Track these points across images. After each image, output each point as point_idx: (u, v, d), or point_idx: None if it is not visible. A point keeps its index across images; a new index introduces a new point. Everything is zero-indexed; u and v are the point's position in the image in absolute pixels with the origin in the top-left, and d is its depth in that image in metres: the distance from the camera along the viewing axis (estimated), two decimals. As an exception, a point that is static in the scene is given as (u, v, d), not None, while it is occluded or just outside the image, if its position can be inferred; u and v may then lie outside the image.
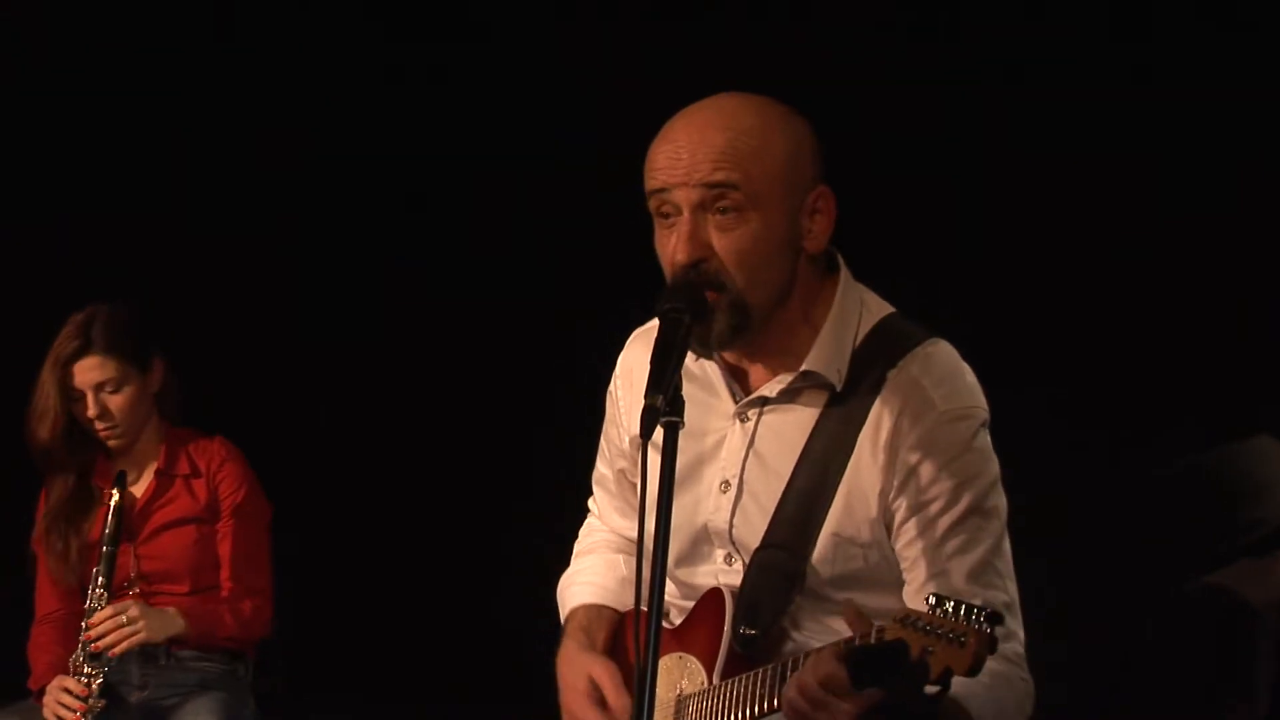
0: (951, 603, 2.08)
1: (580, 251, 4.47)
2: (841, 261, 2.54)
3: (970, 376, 2.49)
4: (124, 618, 3.81)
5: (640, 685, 2.14)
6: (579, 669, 2.62)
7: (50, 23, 4.80)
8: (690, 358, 2.45)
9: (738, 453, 2.53)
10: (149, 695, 3.96)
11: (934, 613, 2.09)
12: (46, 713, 3.82)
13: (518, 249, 4.68)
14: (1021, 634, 2.47)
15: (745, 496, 2.52)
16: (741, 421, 2.53)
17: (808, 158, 2.45)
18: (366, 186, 4.79)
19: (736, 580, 2.53)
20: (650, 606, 2.17)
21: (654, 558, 2.18)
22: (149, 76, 4.76)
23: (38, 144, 4.78)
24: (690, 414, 2.28)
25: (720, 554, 2.57)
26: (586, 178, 4.32)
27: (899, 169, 4.11)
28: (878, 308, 2.53)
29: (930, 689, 2.10)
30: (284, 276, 4.81)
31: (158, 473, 4.03)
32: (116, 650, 3.81)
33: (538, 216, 4.61)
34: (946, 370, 2.47)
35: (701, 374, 2.55)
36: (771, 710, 2.33)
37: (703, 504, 2.56)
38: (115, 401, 3.92)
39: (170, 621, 3.89)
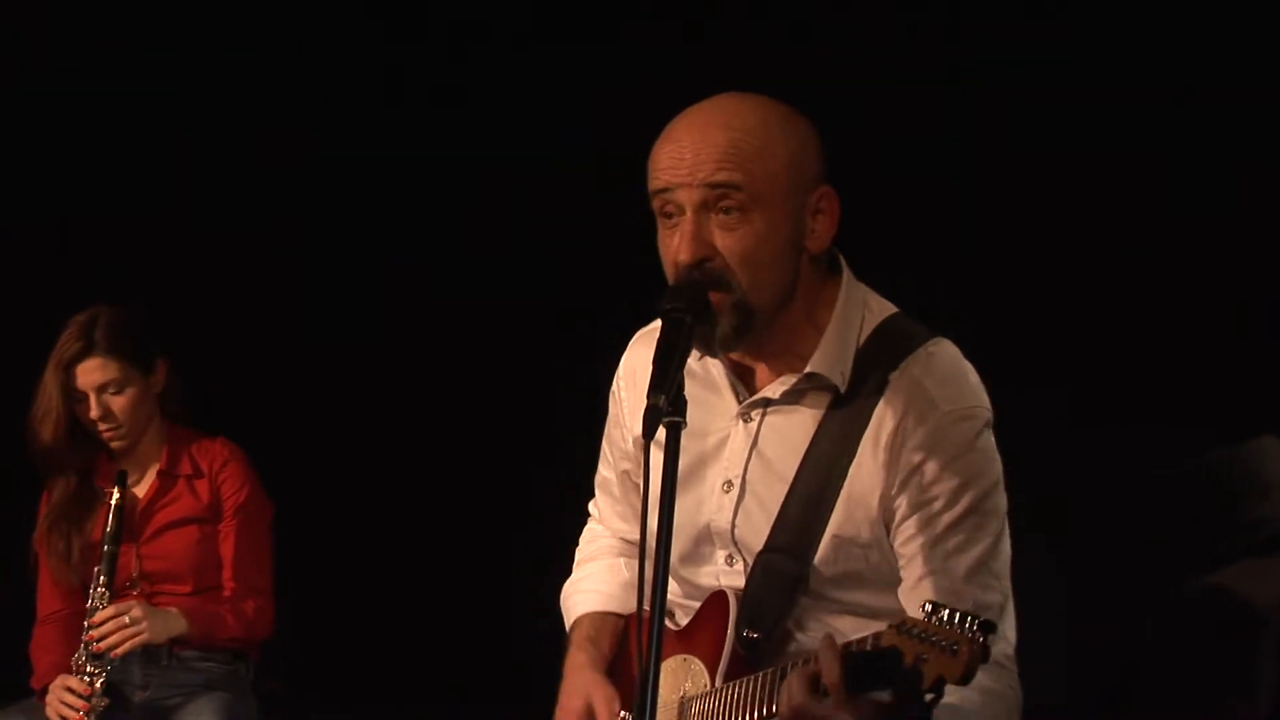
0: (946, 610, 2.09)
1: (580, 251, 4.47)
2: (843, 262, 2.54)
3: (973, 376, 2.50)
4: (126, 618, 3.82)
5: (643, 687, 2.14)
6: (578, 689, 2.62)
7: (50, 23, 4.80)
8: (693, 357, 2.45)
9: (741, 453, 2.53)
10: (151, 695, 3.96)
11: (929, 620, 2.10)
12: (49, 712, 3.82)
13: (518, 249, 4.68)
14: (1013, 636, 2.48)
15: (748, 497, 2.52)
16: (745, 422, 2.53)
17: (811, 157, 2.45)
18: (366, 186, 4.79)
19: (737, 581, 2.54)
20: (653, 607, 2.17)
21: (656, 557, 2.18)
22: (149, 76, 4.76)
23: (38, 144, 4.78)
24: (693, 413, 2.28)
25: (721, 555, 2.57)
26: (586, 178, 4.32)
27: (899, 169, 4.11)
28: (880, 308, 2.53)
29: (926, 697, 2.10)
30: (284, 276, 4.81)
31: (160, 473, 4.04)
32: (118, 651, 3.82)
33: (538, 216, 4.61)
34: (949, 370, 2.47)
35: (704, 373, 2.55)
36: (773, 714, 2.33)
37: (705, 504, 2.56)
38: (118, 403, 3.92)
39: (172, 622, 3.89)
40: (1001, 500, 2.47)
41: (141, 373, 3.95)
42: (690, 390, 2.30)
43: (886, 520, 2.47)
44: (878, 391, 2.44)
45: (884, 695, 2.18)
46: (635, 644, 2.49)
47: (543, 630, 2.98)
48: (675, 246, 2.40)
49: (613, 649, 2.70)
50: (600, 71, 4.48)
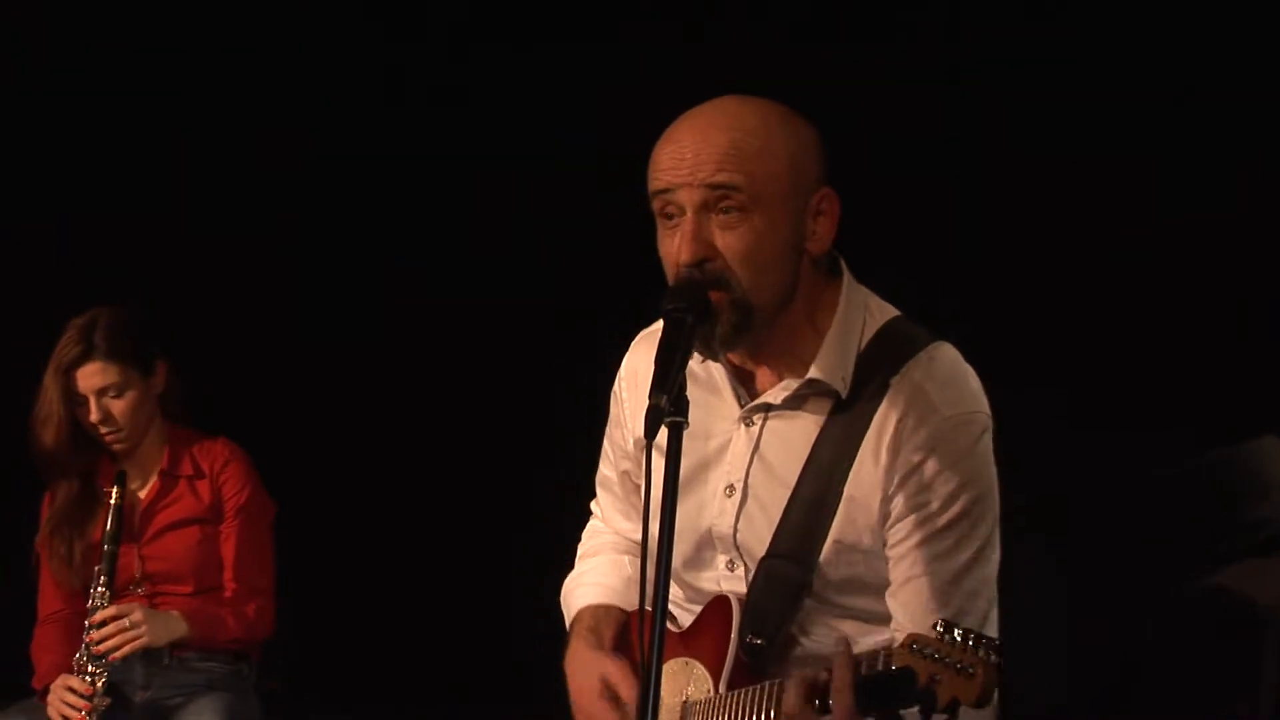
0: (959, 630, 2.08)
1: (580, 251, 4.47)
2: (844, 265, 2.54)
3: (974, 381, 2.50)
4: (127, 621, 3.82)
5: (645, 688, 2.14)
6: (590, 668, 2.62)
7: (50, 23, 4.80)
8: (695, 359, 2.45)
9: (742, 458, 2.53)
10: (153, 695, 3.96)
11: (942, 639, 2.09)
12: (51, 712, 3.82)
13: (518, 249, 4.68)
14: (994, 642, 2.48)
15: (750, 502, 2.52)
16: (746, 426, 2.53)
17: (811, 159, 2.45)
18: (366, 186, 4.79)
19: (738, 586, 2.54)
20: (655, 608, 2.17)
21: (658, 558, 2.18)
22: (149, 76, 4.76)
23: (38, 144, 4.77)
24: (694, 416, 2.28)
25: (722, 560, 2.57)
26: (586, 178, 4.32)
27: (899, 169, 4.10)
28: (881, 311, 2.53)
29: (936, 718, 2.09)
30: (284, 276, 4.81)
31: (161, 474, 4.04)
32: (118, 655, 3.82)
33: (538, 216, 4.61)
34: (950, 374, 2.47)
35: (706, 376, 2.55)
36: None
37: (707, 508, 2.56)
38: (118, 406, 3.92)
39: (173, 625, 3.89)
40: (995, 506, 2.47)
41: (141, 375, 3.95)
42: (692, 392, 2.30)
43: (885, 523, 2.47)
44: (879, 395, 2.45)
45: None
46: (637, 642, 2.50)
47: (543, 630, 2.98)
48: (676, 246, 2.40)
49: (614, 641, 2.70)
50: (600, 71, 4.48)
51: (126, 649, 3.82)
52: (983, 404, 2.49)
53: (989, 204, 4.15)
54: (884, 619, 2.47)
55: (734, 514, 2.53)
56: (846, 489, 2.45)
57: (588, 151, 4.38)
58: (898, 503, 2.44)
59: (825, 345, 2.48)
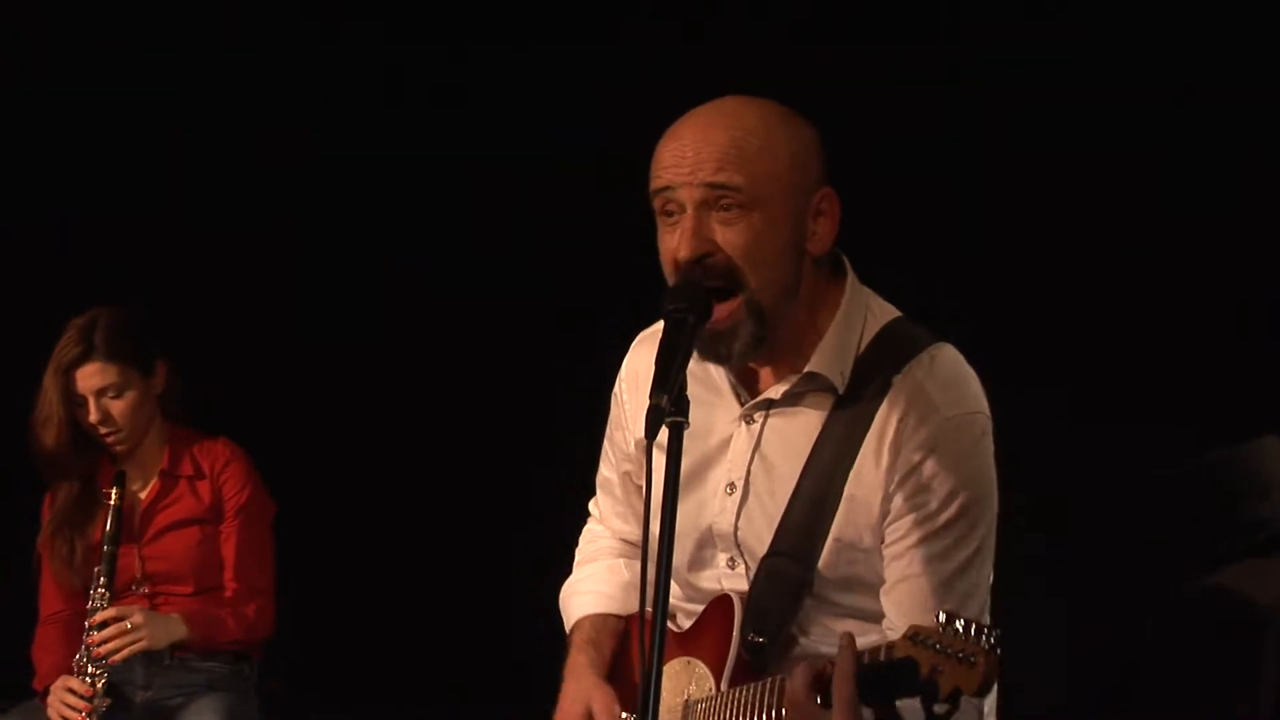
0: (961, 621, 2.08)
1: (580, 251, 4.47)
2: (848, 265, 2.54)
3: (975, 382, 2.50)
4: (127, 624, 3.82)
5: (645, 688, 2.14)
6: (580, 694, 2.62)
7: (50, 23, 4.80)
8: (695, 359, 2.45)
9: (743, 456, 2.53)
10: (153, 695, 3.96)
11: (943, 630, 2.09)
12: (51, 713, 3.82)
13: (518, 249, 4.68)
14: None
15: (751, 500, 2.52)
16: (747, 424, 2.53)
17: (812, 159, 2.45)
18: (366, 186, 4.79)
19: (739, 584, 2.54)
20: (655, 609, 2.17)
21: (659, 559, 2.18)
22: (149, 76, 4.76)
23: (38, 144, 4.78)
24: (695, 415, 2.28)
25: (723, 558, 2.57)
26: (586, 178, 4.32)
27: (899, 169, 4.11)
28: (883, 312, 2.53)
29: (939, 709, 2.09)
30: (284, 276, 4.81)
31: (162, 474, 4.04)
32: (117, 658, 3.81)
33: (538, 216, 4.61)
34: (952, 375, 2.47)
35: (705, 375, 2.55)
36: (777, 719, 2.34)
37: (708, 506, 2.56)
38: (118, 406, 3.92)
39: (173, 628, 3.89)
40: (993, 508, 2.48)
41: (141, 375, 3.95)
42: (692, 391, 2.30)
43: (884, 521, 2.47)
44: (880, 394, 2.45)
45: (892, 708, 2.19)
46: (638, 645, 2.49)
47: (543, 630, 2.98)
48: (675, 243, 2.40)
49: (613, 651, 2.70)
50: (600, 71, 4.48)
51: (126, 652, 3.82)
52: (983, 405, 2.49)
53: (989, 204, 4.15)
54: (884, 618, 2.47)
55: (734, 512, 2.53)
56: (847, 488, 2.45)
57: (588, 151, 4.38)
58: (896, 501, 2.44)
59: (824, 341, 2.48)
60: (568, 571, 2.88)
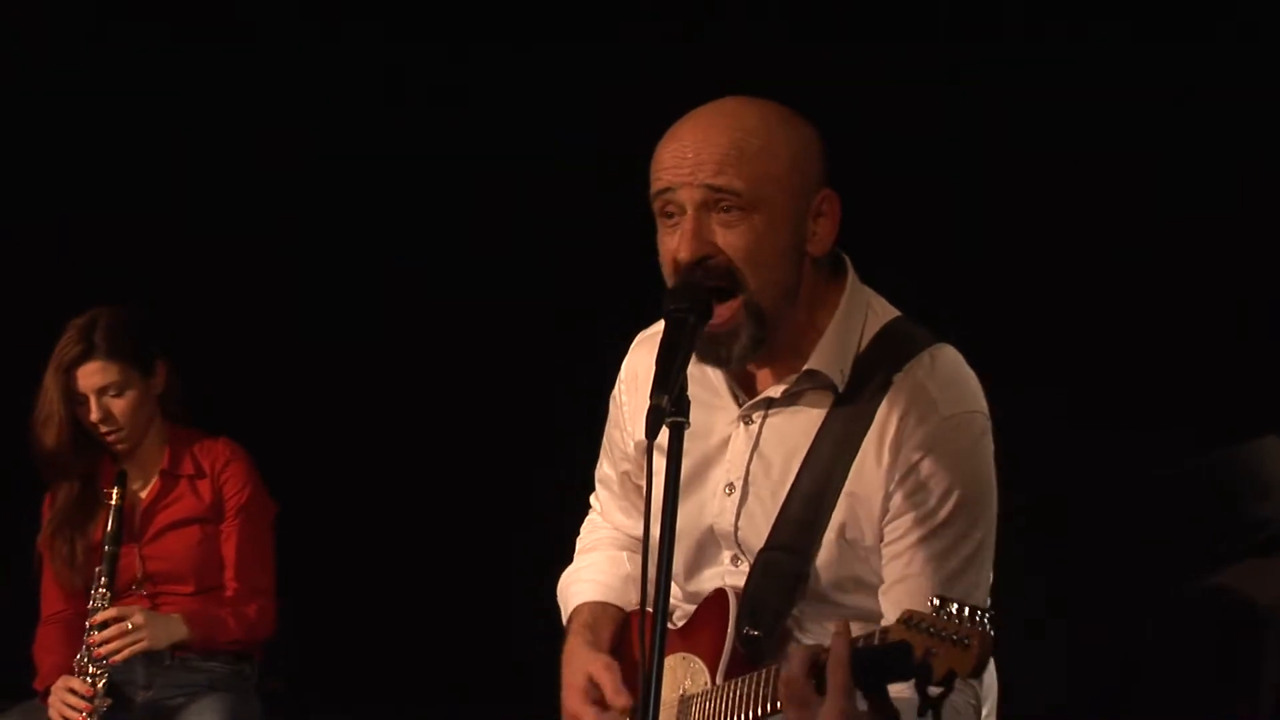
0: (955, 604, 2.08)
1: (580, 251, 4.47)
2: (849, 265, 2.54)
3: (975, 382, 2.50)
4: (128, 624, 3.82)
5: (646, 689, 2.14)
6: (579, 667, 2.62)
7: (50, 23, 4.80)
8: (695, 361, 2.45)
9: (742, 455, 2.53)
10: (154, 695, 3.96)
11: (938, 614, 2.09)
12: (52, 713, 3.82)
13: (518, 249, 4.68)
14: None
15: (750, 499, 2.53)
16: (746, 424, 2.53)
17: (812, 161, 2.45)
18: (366, 186, 4.79)
19: (741, 581, 2.53)
20: (655, 610, 2.17)
21: (659, 559, 2.18)
22: (149, 76, 4.76)
23: (38, 144, 4.78)
24: (695, 415, 2.28)
25: (727, 555, 2.57)
26: (586, 178, 4.32)
27: (899, 169, 4.11)
28: (884, 311, 2.53)
29: (933, 690, 2.10)
30: (284, 276, 4.81)
31: (162, 473, 4.04)
32: (118, 658, 3.82)
33: (538, 216, 4.61)
34: (952, 375, 2.47)
35: (703, 376, 2.55)
36: (774, 711, 2.33)
37: (708, 506, 2.56)
38: (119, 405, 3.92)
39: (173, 628, 3.89)
40: (993, 508, 2.47)
41: (142, 374, 3.95)
42: (691, 392, 2.29)
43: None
44: (880, 392, 2.45)
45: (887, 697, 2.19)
46: (637, 644, 2.49)
47: (543, 630, 2.98)
48: (675, 244, 2.40)
49: (611, 639, 2.70)
50: (600, 71, 4.48)
51: (127, 652, 3.82)
52: (983, 404, 2.49)
53: (989, 204, 4.15)
54: (881, 618, 2.46)
55: (734, 512, 2.53)
56: (847, 485, 2.45)
57: (588, 151, 4.38)
58: (896, 500, 2.44)
59: (824, 339, 2.48)
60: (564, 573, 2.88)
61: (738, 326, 2.40)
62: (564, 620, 2.78)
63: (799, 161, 2.42)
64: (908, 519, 2.43)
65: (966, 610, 2.07)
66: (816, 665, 2.20)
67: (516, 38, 4.67)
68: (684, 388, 2.25)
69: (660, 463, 2.24)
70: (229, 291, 4.77)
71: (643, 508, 2.24)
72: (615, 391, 2.75)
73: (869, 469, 2.44)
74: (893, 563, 2.44)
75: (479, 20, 4.70)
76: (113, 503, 3.91)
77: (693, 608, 2.60)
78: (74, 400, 3.92)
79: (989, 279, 4.13)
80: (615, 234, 3.10)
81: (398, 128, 4.75)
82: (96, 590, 3.87)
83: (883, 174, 3.90)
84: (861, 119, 3.92)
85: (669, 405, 2.22)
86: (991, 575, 2.50)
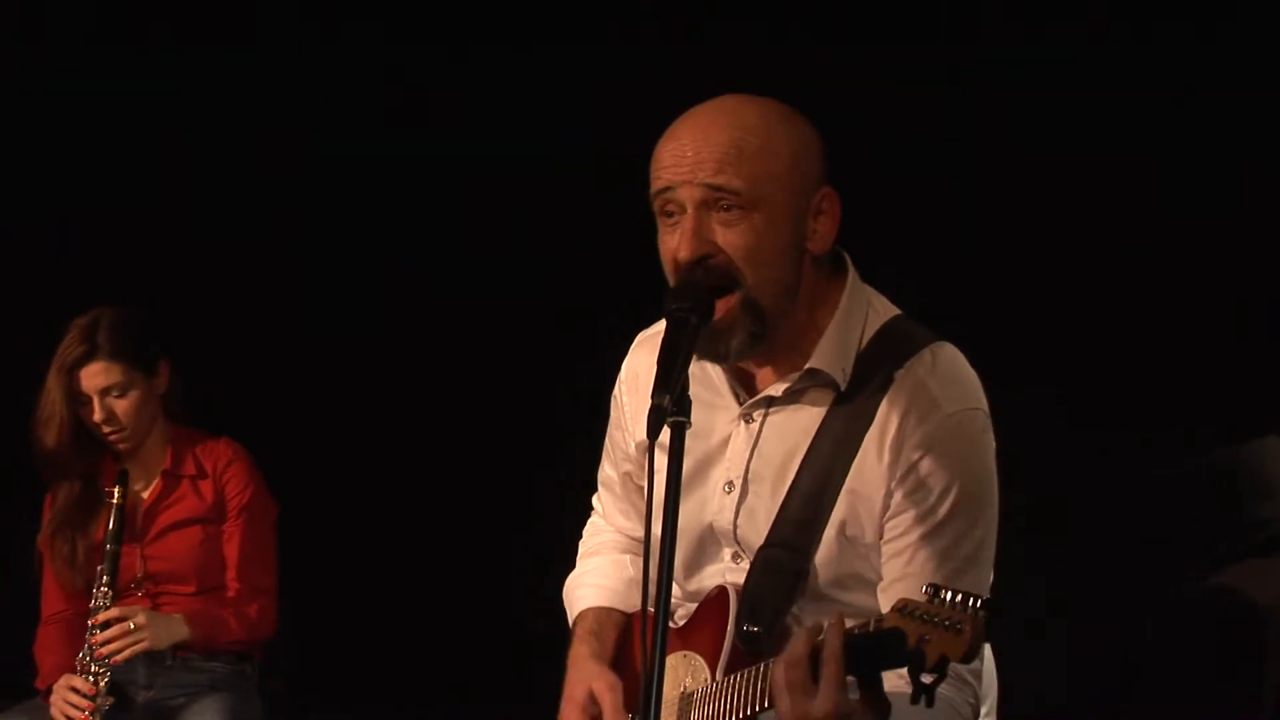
0: (948, 592, 2.09)
1: (580, 251, 4.47)
2: (850, 263, 2.54)
3: (975, 380, 2.50)
4: (130, 624, 3.82)
5: (648, 687, 2.14)
6: (583, 680, 2.62)
7: (50, 23, 4.80)
8: (694, 358, 2.45)
9: (742, 454, 2.53)
10: (156, 695, 3.96)
11: (931, 602, 2.10)
12: (54, 712, 3.82)
13: (518, 249, 4.68)
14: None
15: (750, 496, 2.53)
16: (746, 422, 2.54)
17: (812, 159, 2.44)
18: (366, 186, 4.79)
19: (742, 578, 2.53)
20: (657, 610, 2.17)
21: (660, 559, 2.18)
22: (149, 76, 4.76)
23: (38, 144, 4.78)
24: (696, 415, 2.28)
25: (727, 553, 2.57)
26: (586, 178, 4.32)
27: (899, 169, 4.11)
28: (884, 309, 2.53)
29: (927, 677, 2.10)
30: (284, 276, 4.81)
31: (164, 473, 4.04)
32: (119, 658, 3.82)
33: (538, 216, 4.61)
34: (953, 372, 2.47)
35: (704, 375, 2.55)
36: (774, 706, 2.33)
37: (708, 505, 2.56)
38: (121, 406, 3.93)
39: (175, 628, 3.89)
40: (994, 505, 2.47)
41: (144, 375, 3.95)
42: (692, 391, 2.29)
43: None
44: (881, 391, 2.45)
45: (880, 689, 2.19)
46: (639, 643, 2.49)
47: (543, 630, 2.98)
48: (675, 244, 2.40)
49: (616, 644, 2.70)
50: (600, 71, 4.48)
51: (128, 652, 3.82)
52: (984, 402, 2.49)
53: (989, 204, 4.15)
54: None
55: (734, 510, 2.54)
56: (848, 482, 2.45)
57: (588, 151, 4.38)
58: (897, 498, 2.44)
59: (825, 337, 2.48)
60: (568, 571, 2.88)
61: (735, 322, 2.40)
62: (570, 623, 2.79)
63: (799, 160, 2.42)
64: (908, 516, 2.43)
65: (960, 597, 2.08)
66: (816, 649, 2.21)
67: (516, 38, 4.67)
68: (685, 387, 2.25)
69: (661, 462, 2.24)
70: (230, 291, 4.77)
71: (644, 508, 2.24)
72: (615, 392, 2.75)
73: (870, 466, 2.44)
74: (892, 560, 2.45)
75: (479, 20, 4.70)
76: (114, 501, 3.91)
77: (693, 606, 2.60)
78: (77, 401, 3.92)
79: (989, 279, 4.13)
80: (615, 234, 3.10)
81: (398, 128, 4.75)
82: (98, 590, 3.87)
83: (883, 174, 3.90)
84: (861, 119, 3.92)
85: (670, 405, 2.22)
86: (992, 573, 2.50)
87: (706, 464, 2.56)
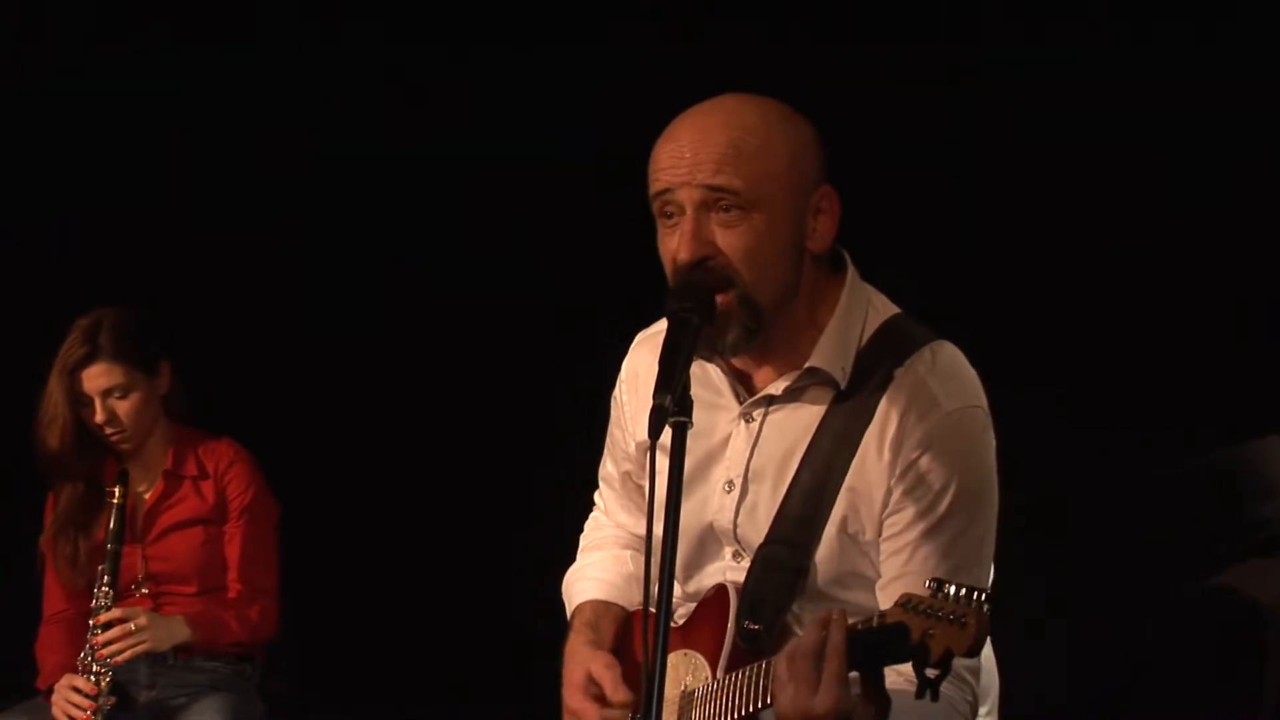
0: (952, 586, 2.09)
1: (580, 251, 4.47)
2: (849, 261, 2.54)
3: (975, 378, 2.50)
4: (131, 625, 3.82)
5: (649, 686, 2.14)
6: (580, 664, 2.62)
7: (50, 23, 4.80)
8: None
9: (742, 452, 2.53)
10: (157, 695, 3.97)
11: (934, 596, 2.10)
12: (56, 712, 3.83)
13: (518, 249, 4.68)
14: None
15: (749, 495, 2.53)
16: (747, 421, 2.54)
17: (811, 158, 2.44)
18: (366, 186, 4.79)
19: (743, 577, 2.53)
20: (658, 609, 2.17)
21: (662, 558, 2.18)
22: (149, 76, 4.76)
23: (38, 144, 4.78)
24: (696, 415, 2.28)
25: (728, 551, 2.58)
26: (586, 178, 4.32)
27: (899, 169, 4.11)
28: (884, 308, 2.53)
29: (930, 672, 2.10)
30: (285, 276, 4.81)
31: (166, 474, 4.04)
32: (120, 659, 3.82)
33: (538, 216, 4.61)
34: (952, 370, 2.47)
35: (705, 375, 2.55)
36: (774, 701, 2.33)
37: (709, 504, 2.56)
38: (123, 407, 3.93)
39: (176, 630, 3.89)
40: (994, 503, 2.47)
41: (146, 375, 3.95)
42: (693, 391, 2.29)
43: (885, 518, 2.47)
44: (880, 389, 2.45)
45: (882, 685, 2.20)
46: (640, 643, 2.49)
47: (543, 630, 2.98)
48: (675, 245, 2.40)
49: (613, 637, 2.70)
50: (600, 71, 4.48)
51: (129, 653, 3.82)
52: (984, 400, 2.49)
53: (989, 204, 4.15)
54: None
55: (734, 509, 2.54)
56: (848, 480, 2.45)
57: (588, 151, 4.38)
58: (897, 495, 2.44)
59: (825, 336, 2.48)
60: (568, 571, 2.88)
61: (730, 317, 2.39)
62: (568, 616, 2.79)
63: (797, 159, 2.42)
64: (908, 514, 2.43)
65: (963, 591, 2.08)
66: (822, 643, 2.21)
67: (516, 38, 4.67)
68: (686, 388, 2.25)
69: (662, 462, 2.24)
70: (230, 292, 4.77)
71: (645, 507, 2.25)
72: (616, 391, 2.75)
73: (870, 464, 2.44)
74: (892, 558, 2.45)
75: (479, 20, 4.70)
76: (115, 501, 3.91)
77: (694, 605, 2.60)
78: (79, 402, 3.92)
79: (989, 279, 4.13)
80: (615, 234, 3.10)
81: (397, 128, 4.75)
82: (99, 589, 3.87)
83: (883, 174, 3.90)
84: (861, 119, 3.92)
85: (672, 405, 2.22)
86: (992, 571, 2.50)
87: (707, 463, 2.56)
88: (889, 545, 2.45)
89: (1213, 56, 4.00)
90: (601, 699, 2.56)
